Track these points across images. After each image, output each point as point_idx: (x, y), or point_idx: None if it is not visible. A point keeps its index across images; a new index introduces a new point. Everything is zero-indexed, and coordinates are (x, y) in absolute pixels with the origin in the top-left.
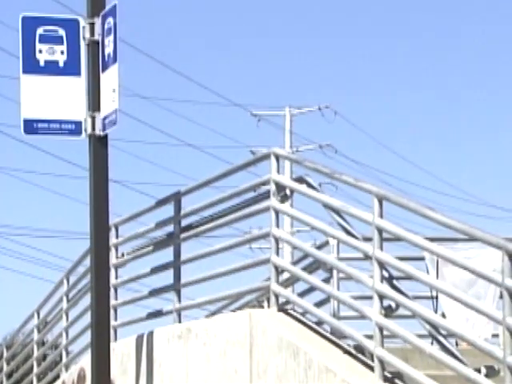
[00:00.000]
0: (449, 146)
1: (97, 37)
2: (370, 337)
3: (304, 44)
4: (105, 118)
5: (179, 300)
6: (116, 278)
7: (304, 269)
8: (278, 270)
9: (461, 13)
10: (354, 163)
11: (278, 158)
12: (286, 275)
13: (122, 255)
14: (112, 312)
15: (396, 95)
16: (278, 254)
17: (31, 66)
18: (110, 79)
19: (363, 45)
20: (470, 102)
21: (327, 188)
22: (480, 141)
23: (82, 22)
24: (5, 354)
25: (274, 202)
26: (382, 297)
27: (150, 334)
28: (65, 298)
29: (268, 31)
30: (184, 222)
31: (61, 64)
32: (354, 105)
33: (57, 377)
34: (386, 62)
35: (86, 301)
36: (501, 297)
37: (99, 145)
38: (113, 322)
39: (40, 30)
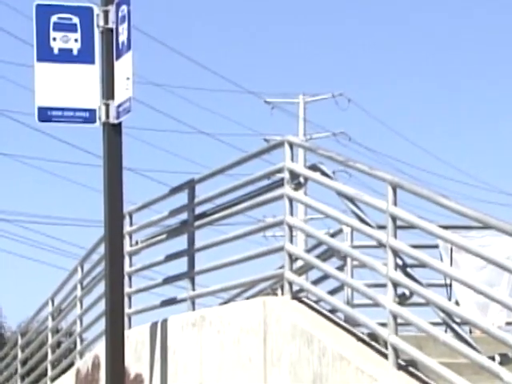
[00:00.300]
0: (461, 132)
1: (111, 24)
2: (383, 325)
3: (318, 31)
4: (119, 106)
5: (193, 288)
6: (130, 265)
7: (318, 257)
8: (292, 258)
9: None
10: (367, 151)
11: (291, 145)
12: (299, 263)
13: (136, 243)
14: (126, 299)
15: (410, 82)
16: (291, 241)
17: (45, 53)
18: (124, 67)
19: (377, 31)
20: (473, 90)
21: (341, 176)
22: (492, 126)
23: (96, 10)
24: (19, 342)
25: (287, 189)
26: (395, 284)
27: (164, 321)
28: (79, 286)
29: (282, 18)
30: (198, 210)
31: (75, 52)
32: (368, 92)
33: (71, 364)
34: (400, 50)
35: (100, 288)
36: None
37: (113, 133)
38: (127, 310)
39: (54, 18)
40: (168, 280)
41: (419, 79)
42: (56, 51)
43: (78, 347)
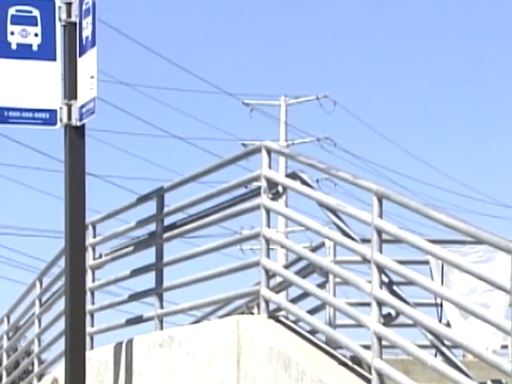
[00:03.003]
0: (461, 142)
1: (74, 18)
2: (367, 347)
3: (300, 29)
4: (82, 107)
5: (161, 305)
6: (93, 280)
7: (297, 272)
8: (269, 274)
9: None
10: (354, 158)
11: (269, 152)
12: (278, 279)
13: (100, 256)
14: (88, 318)
15: (402, 85)
16: (268, 256)
17: (2, 49)
18: (88, 64)
19: (366, 29)
20: (477, 95)
21: (325, 185)
22: (494, 137)
23: (58, 2)
24: None
25: (264, 199)
26: (380, 304)
27: (130, 341)
28: (37, 302)
29: (262, 14)
30: (167, 221)
31: (34, 47)
32: (355, 94)
33: None
34: (390, 51)
35: (60, 305)
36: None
37: (75, 135)
38: (89, 329)
39: (12, 10)
40: (134, 297)
41: (411, 80)
42: (14, 46)
43: (36, 369)
